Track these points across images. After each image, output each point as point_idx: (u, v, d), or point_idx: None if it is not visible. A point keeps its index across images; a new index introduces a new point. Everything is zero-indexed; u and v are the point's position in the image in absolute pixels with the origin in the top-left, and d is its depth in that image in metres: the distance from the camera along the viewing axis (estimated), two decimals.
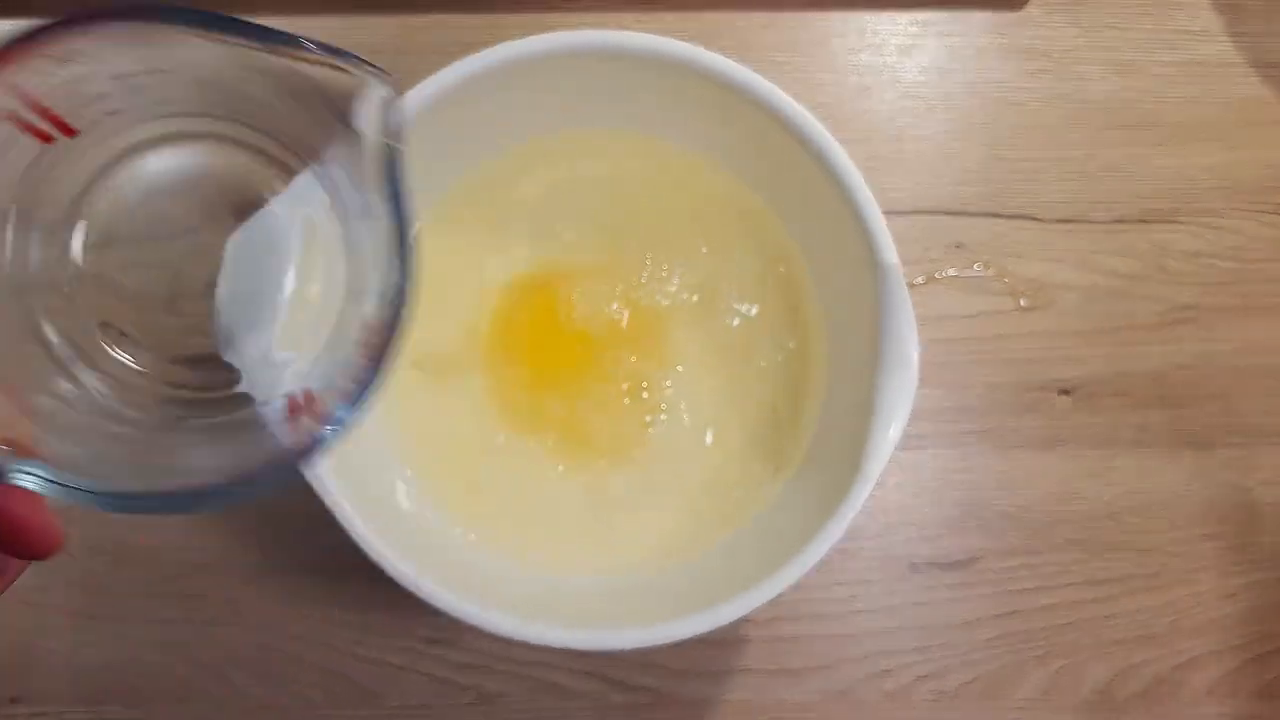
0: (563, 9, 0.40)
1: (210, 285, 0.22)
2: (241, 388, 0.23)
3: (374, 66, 0.20)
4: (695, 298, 0.35)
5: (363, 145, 0.20)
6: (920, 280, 0.39)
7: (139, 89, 0.21)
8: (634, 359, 0.35)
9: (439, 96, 0.30)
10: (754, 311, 0.35)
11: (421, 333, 0.35)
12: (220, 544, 0.37)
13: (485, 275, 0.35)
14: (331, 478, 0.28)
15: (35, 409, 0.21)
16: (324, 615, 0.37)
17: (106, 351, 0.23)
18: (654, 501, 0.34)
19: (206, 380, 0.23)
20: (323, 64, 0.19)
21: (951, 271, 0.40)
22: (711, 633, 0.28)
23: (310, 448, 0.20)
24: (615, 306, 0.35)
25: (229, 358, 0.23)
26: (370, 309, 0.20)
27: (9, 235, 0.21)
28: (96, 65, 0.20)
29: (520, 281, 0.35)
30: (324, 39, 0.19)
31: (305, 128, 0.22)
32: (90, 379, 0.22)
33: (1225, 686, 0.38)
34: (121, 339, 0.23)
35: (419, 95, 0.29)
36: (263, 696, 0.37)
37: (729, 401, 0.35)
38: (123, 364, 0.23)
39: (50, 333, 0.22)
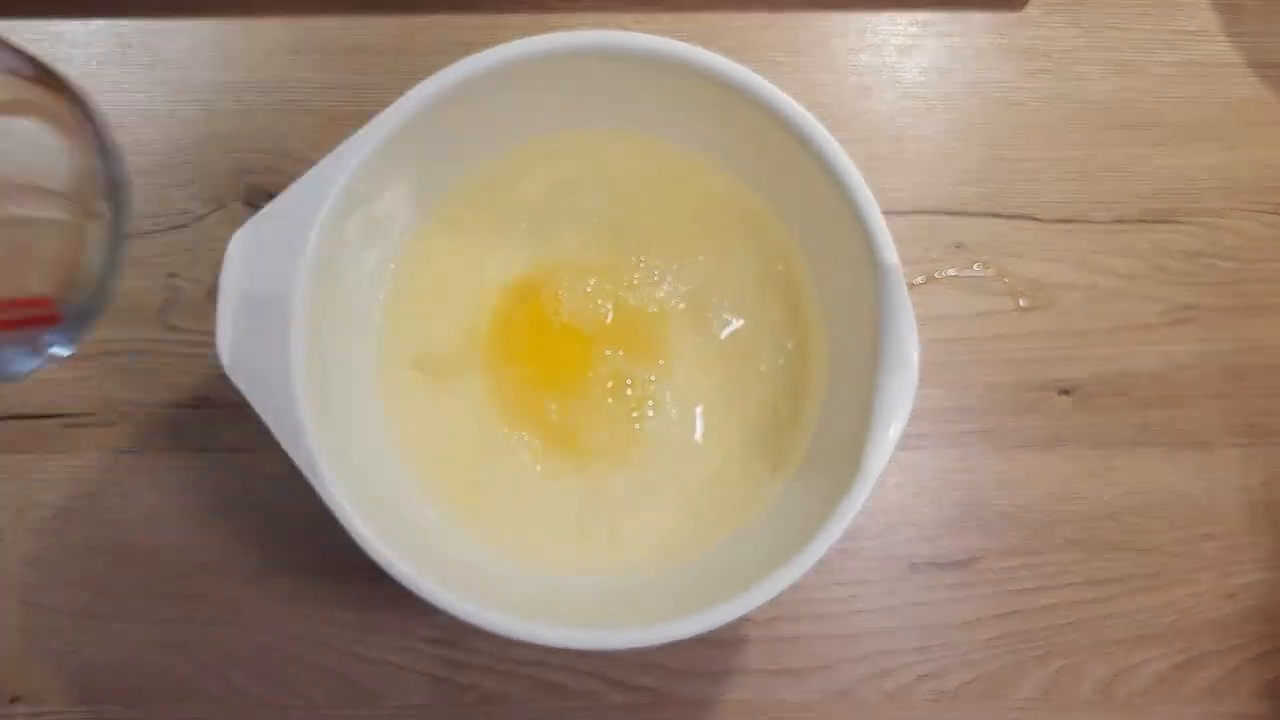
0: (563, 9, 0.40)
1: None
2: None
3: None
4: (694, 298, 0.35)
5: None
6: (920, 280, 0.40)
7: None
8: (632, 359, 0.35)
9: (439, 96, 0.30)
10: (753, 312, 0.35)
11: (421, 333, 0.35)
12: (220, 544, 0.37)
13: (485, 275, 0.35)
14: (332, 478, 0.28)
15: None
16: (324, 615, 0.37)
17: None
18: (654, 501, 0.34)
19: None
20: None
21: (951, 271, 0.40)
22: (711, 633, 0.28)
23: None
24: (613, 307, 0.35)
25: None
26: None
27: None
28: None
29: (520, 281, 0.35)
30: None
31: None
32: None
33: (1225, 686, 0.38)
34: None
35: (419, 95, 0.29)
36: (263, 696, 0.37)
37: (728, 402, 0.35)
38: None
39: None
